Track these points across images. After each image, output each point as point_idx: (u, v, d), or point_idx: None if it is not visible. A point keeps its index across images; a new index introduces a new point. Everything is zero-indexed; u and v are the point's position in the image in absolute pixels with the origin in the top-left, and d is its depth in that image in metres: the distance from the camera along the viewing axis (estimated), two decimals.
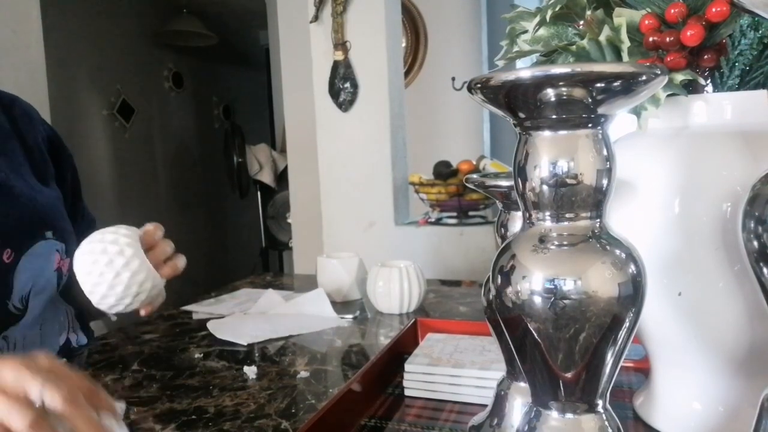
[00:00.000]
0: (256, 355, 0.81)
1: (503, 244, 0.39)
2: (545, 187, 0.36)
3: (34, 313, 0.73)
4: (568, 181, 0.35)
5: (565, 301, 0.34)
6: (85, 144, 3.29)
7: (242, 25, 4.42)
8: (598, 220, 0.37)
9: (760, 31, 0.49)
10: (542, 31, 0.61)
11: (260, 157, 3.60)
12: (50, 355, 0.47)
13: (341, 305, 1.05)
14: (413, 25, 2.81)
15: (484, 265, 0.81)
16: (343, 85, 1.79)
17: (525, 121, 0.36)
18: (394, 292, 0.98)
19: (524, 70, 0.32)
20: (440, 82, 2.67)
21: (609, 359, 0.37)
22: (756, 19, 0.48)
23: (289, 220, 2.78)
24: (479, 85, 0.35)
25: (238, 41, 4.49)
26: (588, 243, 0.36)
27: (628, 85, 0.33)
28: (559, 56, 0.57)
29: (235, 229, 4.46)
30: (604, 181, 0.36)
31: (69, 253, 0.76)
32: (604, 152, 0.35)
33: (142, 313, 0.68)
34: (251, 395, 0.67)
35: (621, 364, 0.38)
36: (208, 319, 0.97)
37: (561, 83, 0.32)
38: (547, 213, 0.36)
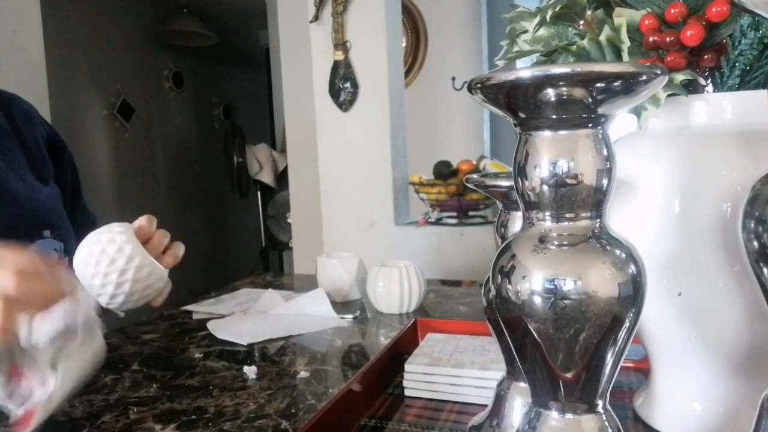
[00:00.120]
0: (256, 355, 0.81)
1: (503, 244, 0.39)
2: (545, 187, 0.36)
3: None
4: (568, 181, 0.35)
5: (565, 301, 0.34)
6: (85, 144, 3.29)
7: (242, 25, 4.42)
8: (598, 220, 0.36)
9: (761, 31, 0.49)
10: (542, 31, 0.61)
11: (260, 157, 3.60)
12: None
13: (341, 305, 1.05)
14: (413, 25, 2.81)
15: (484, 265, 0.81)
16: (343, 85, 1.79)
17: (525, 121, 0.36)
18: (394, 292, 0.98)
19: (524, 70, 0.32)
20: (440, 82, 2.67)
21: (609, 359, 0.37)
22: (756, 19, 0.48)
23: (289, 220, 2.78)
24: (479, 85, 0.35)
25: (238, 41, 4.49)
26: (588, 243, 0.36)
27: (628, 85, 0.33)
28: (559, 56, 0.57)
29: (235, 229, 4.46)
30: (604, 181, 0.35)
31: (68, 252, 0.76)
32: (604, 152, 0.35)
33: (154, 304, 0.68)
34: (251, 395, 0.67)
35: (621, 364, 0.38)
36: (208, 319, 0.97)
37: (561, 83, 0.32)
38: (547, 213, 0.36)
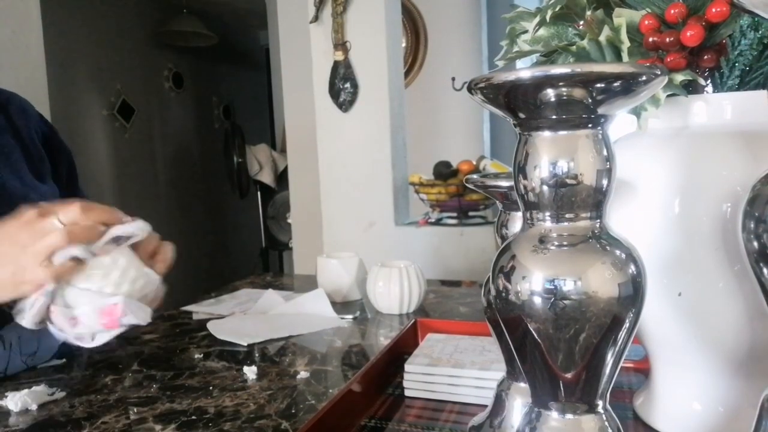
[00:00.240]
0: (256, 355, 0.81)
1: (503, 245, 0.39)
2: (545, 188, 0.36)
3: None
4: (568, 181, 0.35)
5: (565, 302, 0.34)
6: (85, 144, 3.30)
7: (242, 25, 4.43)
8: (598, 220, 0.37)
9: (760, 32, 0.49)
10: (542, 31, 0.61)
11: (260, 157, 3.60)
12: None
13: (341, 305, 1.05)
14: (413, 25, 2.81)
15: (484, 265, 0.81)
16: (343, 85, 1.79)
17: (525, 122, 0.36)
18: (394, 293, 0.98)
19: (524, 70, 0.32)
20: (440, 82, 2.67)
21: (609, 359, 0.37)
22: (756, 19, 0.48)
23: (289, 220, 2.78)
24: (479, 85, 0.35)
25: (238, 41, 4.49)
26: (588, 243, 0.36)
27: (628, 85, 0.33)
28: (559, 56, 0.57)
29: (235, 229, 4.46)
30: (604, 182, 0.35)
31: None
32: (604, 152, 0.35)
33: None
34: (251, 395, 0.67)
35: (621, 364, 0.38)
36: (208, 320, 0.97)
37: (561, 83, 0.32)
38: (547, 213, 0.36)
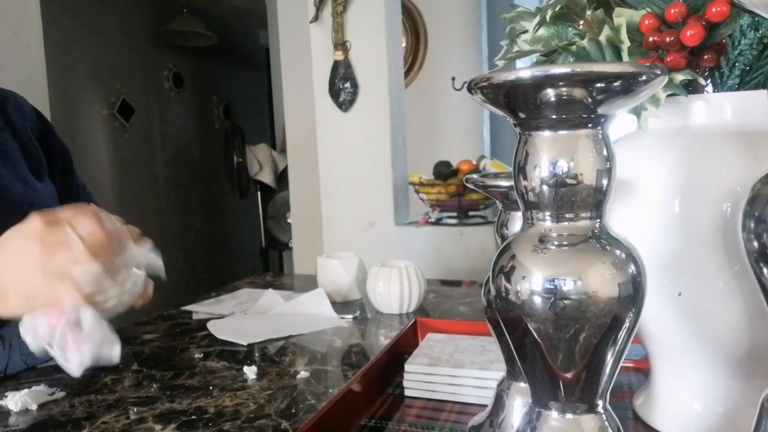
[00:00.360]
0: (256, 355, 0.81)
1: (503, 244, 0.39)
2: (545, 187, 0.36)
3: None
4: (568, 181, 0.35)
5: (565, 302, 0.34)
6: (85, 144, 3.30)
7: (242, 25, 4.43)
8: (598, 220, 0.36)
9: (760, 31, 0.49)
10: (542, 31, 0.61)
11: (260, 157, 3.60)
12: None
13: (341, 305, 1.05)
14: (413, 25, 2.81)
15: (484, 265, 0.81)
16: (343, 85, 1.79)
17: (525, 121, 0.36)
18: (394, 292, 0.98)
19: (524, 70, 0.32)
20: (440, 82, 2.67)
21: (609, 359, 0.37)
22: (756, 19, 0.48)
23: (289, 220, 2.78)
24: (479, 85, 0.35)
25: (238, 41, 4.49)
26: (588, 243, 0.36)
27: (628, 85, 0.33)
28: (559, 56, 0.57)
29: (235, 229, 4.46)
30: (604, 181, 0.35)
31: None
32: (604, 152, 0.35)
33: (137, 306, 0.66)
34: (251, 395, 0.67)
35: (621, 364, 0.38)
36: (208, 319, 0.97)
37: (561, 83, 0.32)
38: (547, 213, 0.36)
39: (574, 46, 0.54)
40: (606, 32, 0.52)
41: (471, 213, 1.74)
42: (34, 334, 0.54)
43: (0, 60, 1.54)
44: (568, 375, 0.37)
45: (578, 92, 0.33)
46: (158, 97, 3.87)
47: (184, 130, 4.12)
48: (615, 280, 0.35)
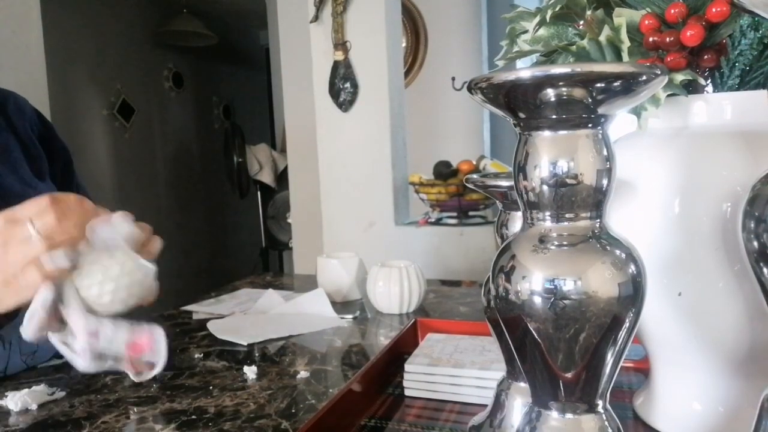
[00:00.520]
0: (256, 355, 0.81)
1: (503, 244, 0.39)
2: (545, 187, 0.36)
3: None
4: (568, 181, 0.35)
5: (565, 301, 0.34)
6: (85, 144, 3.30)
7: (242, 25, 4.43)
8: (598, 220, 0.37)
9: (760, 31, 0.49)
10: (542, 31, 0.61)
11: (260, 157, 3.60)
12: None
13: (341, 305, 1.05)
14: (413, 25, 2.81)
15: (484, 265, 0.81)
16: (343, 85, 1.79)
17: (525, 121, 0.36)
18: (394, 292, 0.98)
19: (524, 70, 0.32)
20: (440, 82, 2.67)
21: (609, 359, 0.37)
22: (756, 19, 0.48)
23: (289, 220, 2.78)
24: (479, 85, 0.35)
25: (238, 41, 4.49)
26: (588, 243, 0.36)
27: (628, 85, 0.33)
28: (559, 56, 0.57)
29: (235, 229, 4.46)
30: (604, 181, 0.35)
31: None
32: (604, 152, 0.35)
33: (145, 303, 0.66)
34: (251, 395, 0.67)
35: (621, 364, 0.38)
36: (208, 319, 0.97)
37: (561, 83, 0.32)
38: (547, 213, 0.36)
39: (574, 47, 0.54)
40: (606, 32, 0.52)
41: (471, 213, 1.74)
42: (28, 325, 0.55)
43: (0, 60, 1.54)
44: (568, 375, 0.37)
45: (578, 92, 0.33)
46: (158, 97, 3.87)
47: (184, 130, 4.12)
48: (615, 280, 0.35)
